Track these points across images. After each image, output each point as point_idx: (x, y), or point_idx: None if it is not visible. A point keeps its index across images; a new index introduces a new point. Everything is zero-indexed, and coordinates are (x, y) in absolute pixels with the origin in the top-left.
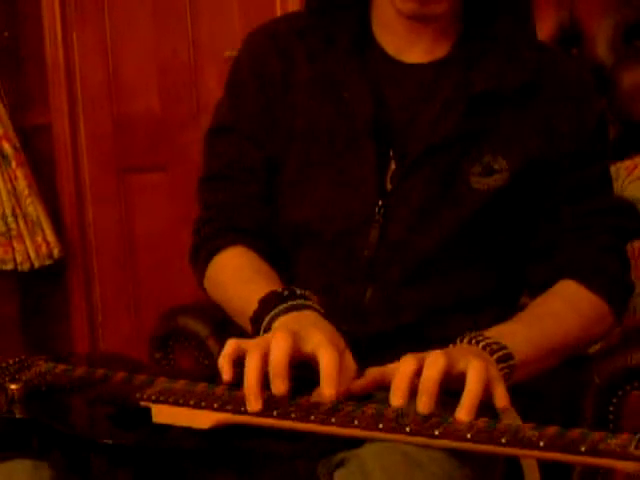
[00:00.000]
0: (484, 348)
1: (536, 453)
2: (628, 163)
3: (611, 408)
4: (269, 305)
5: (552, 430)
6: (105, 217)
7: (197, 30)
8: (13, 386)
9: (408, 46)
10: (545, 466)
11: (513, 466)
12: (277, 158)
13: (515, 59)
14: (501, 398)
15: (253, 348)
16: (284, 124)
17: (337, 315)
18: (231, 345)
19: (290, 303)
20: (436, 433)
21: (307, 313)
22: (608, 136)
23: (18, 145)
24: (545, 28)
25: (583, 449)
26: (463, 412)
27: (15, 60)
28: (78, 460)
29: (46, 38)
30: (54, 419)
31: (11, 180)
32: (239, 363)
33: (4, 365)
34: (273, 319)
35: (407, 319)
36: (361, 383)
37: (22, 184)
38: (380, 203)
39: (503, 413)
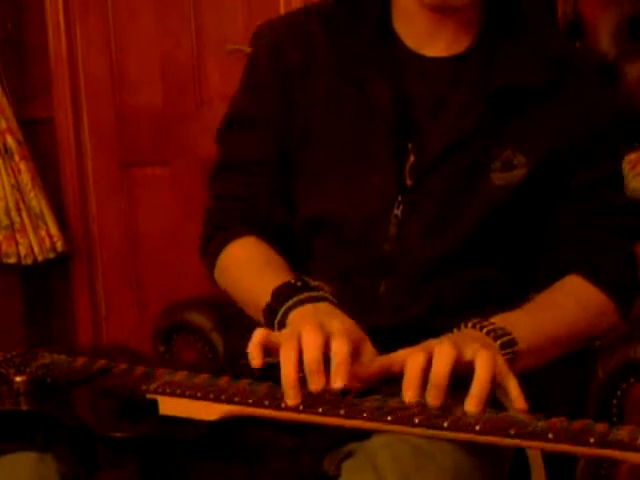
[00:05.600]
0: (488, 333)
1: (545, 445)
2: (632, 157)
3: (614, 401)
4: (283, 297)
5: (558, 422)
6: (108, 211)
7: (200, 23)
8: (18, 378)
9: (429, 39)
10: (549, 459)
11: (518, 459)
12: (293, 150)
13: (538, 54)
14: (517, 398)
15: (287, 342)
16: (302, 116)
17: (349, 306)
18: (261, 334)
19: (304, 295)
20: (445, 425)
21: (322, 305)
22: (623, 133)
23: (21, 138)
24: None
25: (592, 440)
26: (472, 402)
27: (18, 53)
28: (84, 452)
29: (49, 31)
30: (59, 411)
31: (14, 174)
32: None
33: (8, 357)
34: (288, 311)
35: (418, 312)
36: (367, 372)
37: (25, 178)
38: (400, 199)
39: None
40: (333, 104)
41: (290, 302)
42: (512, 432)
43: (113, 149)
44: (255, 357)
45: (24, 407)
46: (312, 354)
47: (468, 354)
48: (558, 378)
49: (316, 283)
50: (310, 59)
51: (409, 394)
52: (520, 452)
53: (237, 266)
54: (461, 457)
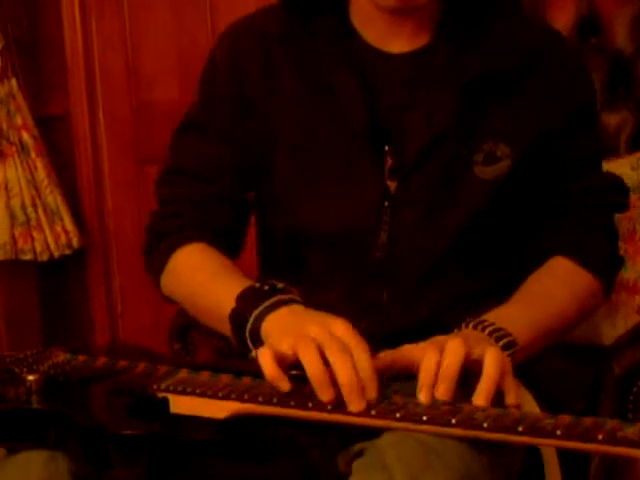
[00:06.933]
0: (490, 334)
1: (553, 442)
2: None
3: (630, 397)
4: (251, 302)
5: (567, 419)
6: (124, 207)
7: (216, 19)
8: (31, 377)
9: (390, 37)
10: (563, 456)
11: (532, 456)
12: (263, 160)
13: (506, 42)
14: (511, 396)
15: (305, 348)
16: (267, 125)
17: (355, 313)
18: (269, 355)
19: (275, 299)
20: (453, 422)
21: (295, 307)
22: (597, 112)
23: (37, 135)
24: (564, 17)
25: (600, 437)
26: (481, 397)
27: (34, 49)
28: (95, 451)
29: (65, 28)
30: (71, 410)
31: (30, 170)
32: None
33: (22, 356)
34: (261, 316)
35: (425, 315)
36: (375, 365)
37: (41, 174)
38: (385, 204)
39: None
40: (301, 109)
41: (261, 307)
42: (520, 429)
43: (129, 145)
44: (281, 380)
45: (35, 405)
46: (349, 377)
47: (477, 352)
48: (572, 375)
49: (282, 285)
50: (270, 64)
51: (424, 394)
52: (534, 450)
53: (189, 273)
54: (470, 455)
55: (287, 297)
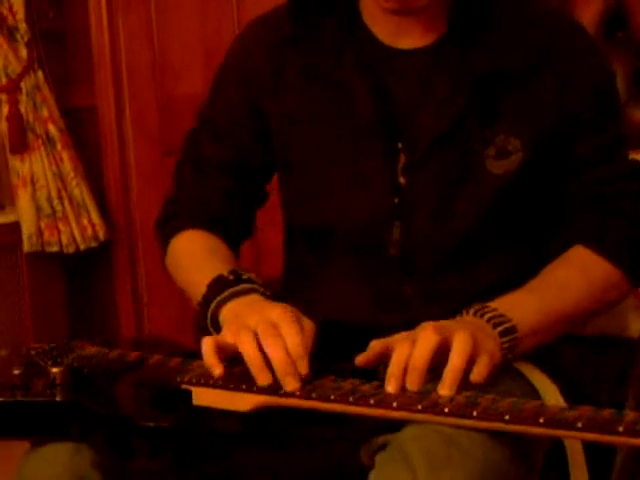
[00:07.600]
0: (488, 321)
1: (574, 434)
2: None
3: None
4: (215, 291)
5: (588, 411)
6: (150, 199)
7: (242, 12)
8: (55, 369)
9: (400, 34)
10: (589, 448)
11: (557, 449)
12: (277, 158)
13: (520, 37)
14: (477, 374)
15: (243, 338)
16: (279, 128)
17: (379, 308)
18: (210, 343)
19: (234, 289)
20: (474, 414)
21: (252, 297)
22: (619, 100)
23: (63, 127)
24: (590, 11)
25: (621, 429)
26: (444, 387)
27: (60, 41)
28: (119, 443)
29: (92, 20)
30: (95, 402)
31: (57, 162)
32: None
33: (47, 348)
34: (219, 306)
35: (446, 308)
36: (366, 356)
37: (67, 166)
38: (396, 201)
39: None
40: (311, 107)
41: (220, 297)
42: (541, 421)
43: (155, 138)
44: (216, 367)
45: (60, 398)
46: (279, 358)
47: (450, 340)
48: (598, 367)
49: (247, 275)
50: (280, 64)
51: (391, 384)
52: (559, 442)
53: (181, 258)
54: (492, 448)
55: (248, 287)
